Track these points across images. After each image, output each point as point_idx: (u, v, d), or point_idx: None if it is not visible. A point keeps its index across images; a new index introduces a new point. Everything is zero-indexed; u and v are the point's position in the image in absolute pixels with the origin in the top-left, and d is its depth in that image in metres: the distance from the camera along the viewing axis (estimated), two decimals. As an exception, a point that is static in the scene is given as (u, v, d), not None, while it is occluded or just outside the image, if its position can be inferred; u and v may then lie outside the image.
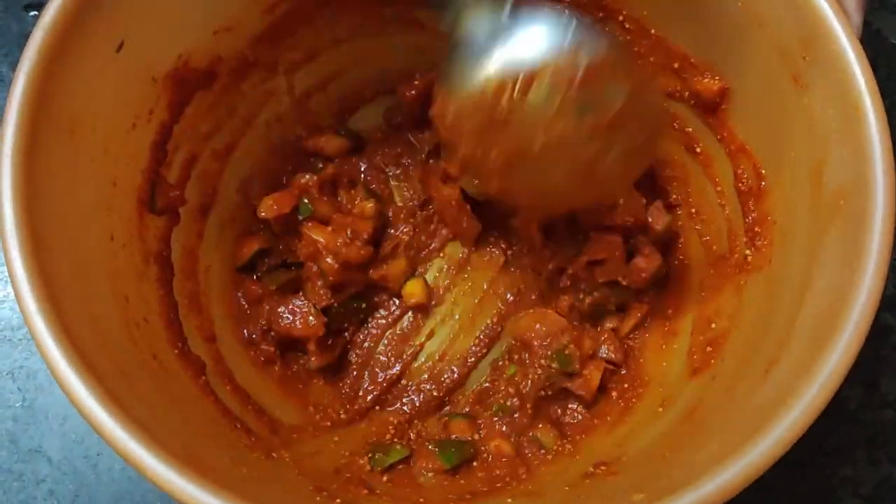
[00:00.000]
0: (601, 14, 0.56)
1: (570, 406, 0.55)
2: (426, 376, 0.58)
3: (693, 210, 0.57)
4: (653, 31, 0.54)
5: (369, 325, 0.60)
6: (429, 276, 0.61)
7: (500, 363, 0.58)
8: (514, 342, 0.58)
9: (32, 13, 0.71)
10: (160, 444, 0.36)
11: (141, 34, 0.46)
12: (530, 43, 0.45)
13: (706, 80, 0.52)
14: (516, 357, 0.57)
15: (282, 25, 0.55)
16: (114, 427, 0.35)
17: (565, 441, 0.53)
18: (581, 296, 0.58)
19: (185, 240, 0.53)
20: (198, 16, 0.50)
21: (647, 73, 0.51)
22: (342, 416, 0.56)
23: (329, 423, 0.55)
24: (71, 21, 0.42)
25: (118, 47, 0.45)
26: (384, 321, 0.60)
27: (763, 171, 0.50)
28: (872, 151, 0.41)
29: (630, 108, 0.45)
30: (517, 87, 0.45)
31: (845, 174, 0.42)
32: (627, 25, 0.55)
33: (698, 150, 0.55)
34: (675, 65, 0.54)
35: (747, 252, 0.50)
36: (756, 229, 0.49)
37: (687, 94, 0.54)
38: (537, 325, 0.56)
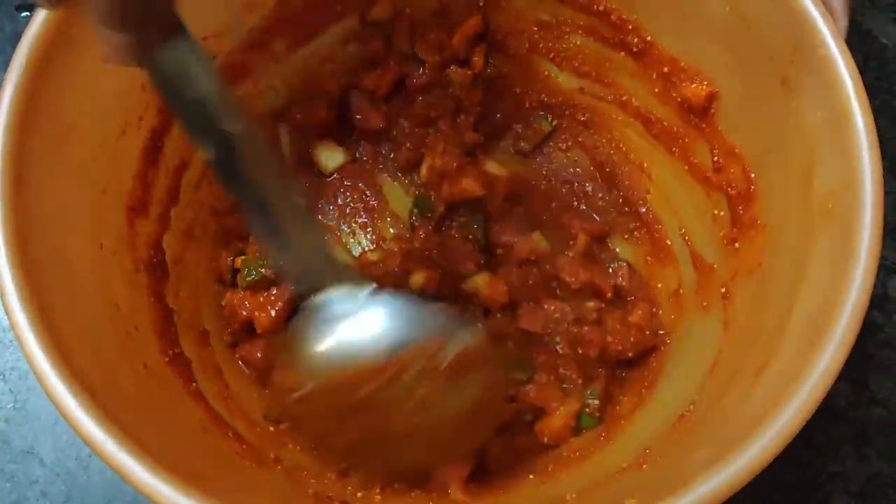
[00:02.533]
0: (595, 18, 0.56)
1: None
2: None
3: (681, 219, 0.57)
4: (648, 37, 0.54)
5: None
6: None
7: None
8: None
9: (24, 14, 0.71)
10: (150, 454, 0.36)
11: (130, 41, 0.46)
12: (398, 326, 0.44)
13: (694, 85, 0.53)
14: None
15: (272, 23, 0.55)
16: (104, 438, 0.35)
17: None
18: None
19: (177, 245, 0.53)
20: (187, 21, 0.50)
21: (500, 364, 0.51)
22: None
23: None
24: (59, 29, 0.42)
25: (107, 54, 0.45)
26: None
27: (753, 175, 0.50)
28: (861, 155, 0.41)
29: (484, 395, 0.46)
30: (386, 372, 0.43)
31: (834, 178, 0.43)
32: (620, 27, 0.55)
33: (691, 157, 0.56)
34: (665, 69, 0.54)
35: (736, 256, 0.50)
36: (746, 233, 0.50)
37: (678, 98, 0.54)
38: None
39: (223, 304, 0.56)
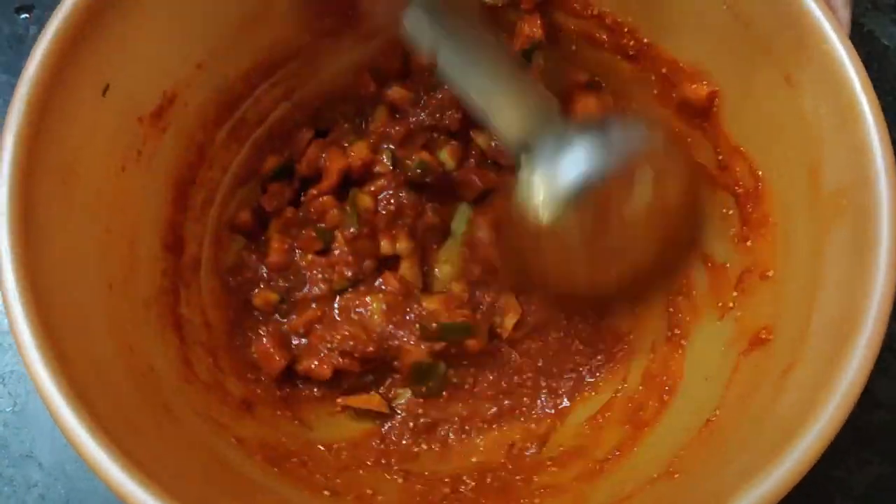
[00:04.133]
0: (589, 22, 0.56)
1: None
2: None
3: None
4: (645, 39, 0.54)
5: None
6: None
7: None
8: None
9: (23, 15, 0.70)
10: (183, 501, 0.35)
11: (125, 75, 0.45)
12: (615, 147, 0.46)
13: (694, 85, 0.52)
14: None
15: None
16: (137, 491, 0.35)
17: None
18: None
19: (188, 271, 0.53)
20: (179, 51, 0.49)
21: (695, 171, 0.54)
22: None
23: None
24: (56, 70, 0.41)
25: (104, 91, 0.44)
26: None
27: (759, 173, 0.50)
28: (872, 148, 0.41)
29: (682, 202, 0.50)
30: (618, 192, 0.46)
31: (845, 172, 0.42)
32: (615, 30, 0.55)
33: (695, 156, 0.55)
34: (663, 70, 0.54)
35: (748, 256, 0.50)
36: (757, 231, 0.49)
37: (678, 99, 0.54)
38: None
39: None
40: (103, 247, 0.44)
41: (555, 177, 0.46)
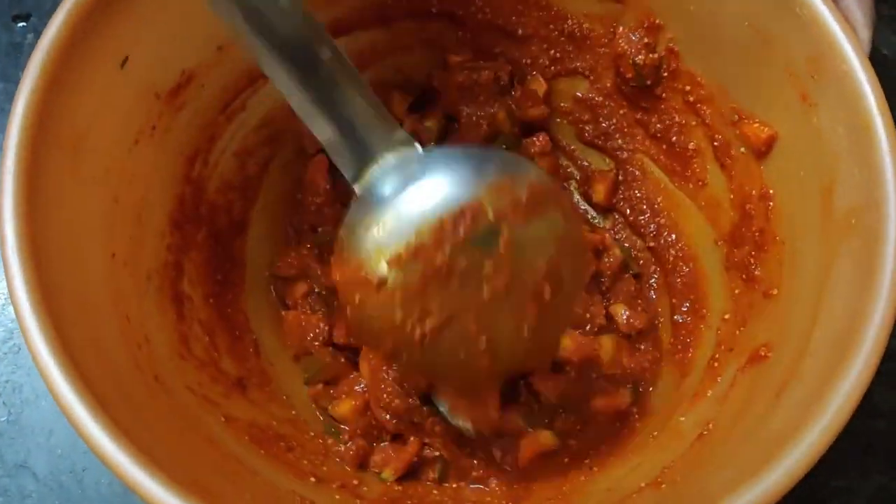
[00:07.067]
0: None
1: None
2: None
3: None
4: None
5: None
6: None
7: None
8: None
9: (21, 24, 0.70)
10: (166, 472, 0.35)
11: (145, 50, 0.46)
12: (459, 176, 0.40)
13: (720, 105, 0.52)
14: None
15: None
16: (120, 457, 0.34)
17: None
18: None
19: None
20: (202, 32, 0.49)
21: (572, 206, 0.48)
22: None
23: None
24: (75, 36, 0.41)
25: (122, 63, 0.44)
26: None
27: (770, 191, 0.49)
28: (884, 170, 0.41)
29: (565, 247, 0.42)
30: (459, 224, 0.39)
31: (856, 193, 0.42)
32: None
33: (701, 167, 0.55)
34: (687, 87, 0.54)
35: (756, 272, 0.50)
36: (763, 249, 0.49)
37: (703, 116, 0.54)
38: None
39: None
40: (110, 217, 0.45)
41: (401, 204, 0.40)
